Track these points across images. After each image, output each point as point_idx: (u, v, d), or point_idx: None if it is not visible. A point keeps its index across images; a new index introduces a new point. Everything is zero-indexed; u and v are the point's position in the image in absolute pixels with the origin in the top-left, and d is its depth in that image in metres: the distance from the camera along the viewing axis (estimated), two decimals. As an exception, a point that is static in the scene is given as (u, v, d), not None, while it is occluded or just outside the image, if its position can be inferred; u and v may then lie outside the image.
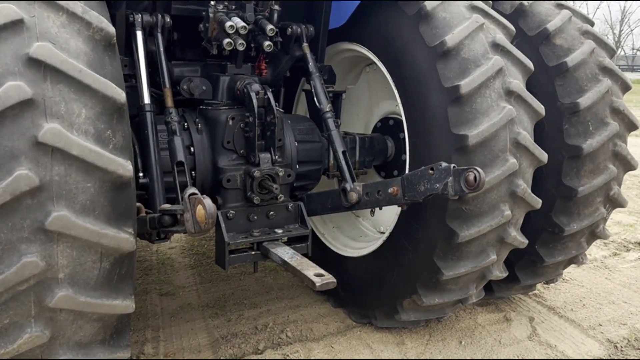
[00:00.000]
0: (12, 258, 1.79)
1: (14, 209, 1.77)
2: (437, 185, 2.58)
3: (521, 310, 4.01)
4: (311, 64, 3.34)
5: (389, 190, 2.86)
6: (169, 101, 2.88)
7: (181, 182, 2.76)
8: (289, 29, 3.33)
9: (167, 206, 2.51)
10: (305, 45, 3.37)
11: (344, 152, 3.16)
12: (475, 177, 2.42)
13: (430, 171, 2.62)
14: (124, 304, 2.09)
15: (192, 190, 2.32)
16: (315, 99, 3.28)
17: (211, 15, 2.96)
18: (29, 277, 1.82)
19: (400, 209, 3.12)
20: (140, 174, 2.73)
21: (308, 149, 3.42)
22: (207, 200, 2.15)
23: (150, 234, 2.72)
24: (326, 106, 3.24)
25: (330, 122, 3.21)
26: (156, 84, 2.97)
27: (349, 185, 3.05)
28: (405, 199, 2.80)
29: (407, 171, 3.15)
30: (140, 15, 2.86)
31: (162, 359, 3.29)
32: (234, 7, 3.06)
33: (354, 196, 3.02)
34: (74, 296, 1.93)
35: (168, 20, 2.95)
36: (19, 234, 1.79)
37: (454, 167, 2.53)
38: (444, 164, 2.57)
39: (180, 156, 2.78)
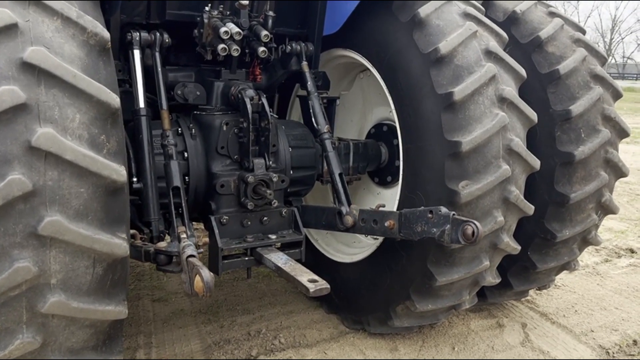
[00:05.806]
0: (4, 263, 1.78)
1: (6, 213, 1.76)
2: (434, 230, 2.58)
3: (514, 316, 4.03)
4: (310, 84, 3.34)
5: (386, 223, 2.85)
6: (166, 123, 2.86)
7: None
8: (289, 47, 3.34)
9: (162, 245, 2.50)
10: (304, 64, 3.37)
11: (340, 175, 3.16)
12: (473, 232, 2.41)
13: (430, 214, 2.61)
14: (117, 310, 2.08)
15: (190, 251, 2.31)
16: (313, 119, 3.29)
17: (206, 20, 2.95)
18: (21, 282, 1.81)
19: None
20: (134, 179, 2.72)
21: (302, 155, 3.42)
22: (205, 272, 2.14)
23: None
24: (324, 127, 3.24)
25: (328, 144, 3.21)
26: (151, 88, 2.96)
27: (344, 209, 3.05)
28: (400, 235, 2.81)
29: (400, 177, 3.17)
30: (138, 33, 2.85)
31: (154, 365, 3.27)
32: (228, 12, 3.06)
33: (349, 220, 3.02)
34: (66, 302, 1.91)
35: (167, 40, 2.94)
36: (11, 239, 1.78)
37: (453, 214, 2.53)
38: (443, 210, 2.56)
39: (177, 181, 2.77)
